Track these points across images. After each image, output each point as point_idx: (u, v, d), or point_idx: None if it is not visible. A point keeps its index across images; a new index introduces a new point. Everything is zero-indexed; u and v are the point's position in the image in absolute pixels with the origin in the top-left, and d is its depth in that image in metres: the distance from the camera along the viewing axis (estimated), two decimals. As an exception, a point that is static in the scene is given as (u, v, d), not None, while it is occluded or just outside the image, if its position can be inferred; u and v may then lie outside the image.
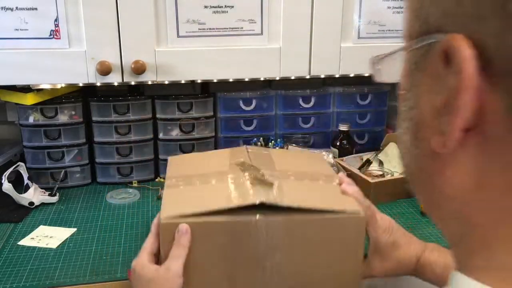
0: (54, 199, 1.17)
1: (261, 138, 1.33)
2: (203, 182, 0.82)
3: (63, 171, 1.24)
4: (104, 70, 1.04)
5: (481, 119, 0.27)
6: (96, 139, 1.26)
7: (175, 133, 1.30)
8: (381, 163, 1.27)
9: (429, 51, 0.28)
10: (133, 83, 1.12)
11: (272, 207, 0.74)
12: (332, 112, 1.40)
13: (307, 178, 0.85)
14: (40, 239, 0.99)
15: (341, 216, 0.75)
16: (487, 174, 0.28)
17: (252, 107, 1.33)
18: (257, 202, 0.72)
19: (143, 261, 0.72)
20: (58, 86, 1.17)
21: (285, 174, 0.85)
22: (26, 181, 1.15)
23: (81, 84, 1.13)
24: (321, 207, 0.75)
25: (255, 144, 1.31)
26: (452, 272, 0.30)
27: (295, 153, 1.00)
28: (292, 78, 1.20)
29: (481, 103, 0.26)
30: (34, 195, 1.14)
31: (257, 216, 0.74)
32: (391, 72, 0.32)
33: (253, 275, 0.77)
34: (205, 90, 1.32)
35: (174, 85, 1.21)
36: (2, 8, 1.01)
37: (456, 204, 0.30)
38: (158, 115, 1.28)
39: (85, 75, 1.06)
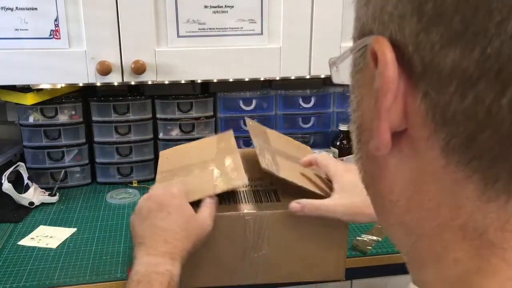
0: (54, 199, 1.17)
1: (261, 138, 1.33)
2: (189, 173, 0.86)
3: (63, 171, 1.24)
4: (104, 70, 1.04)
5: (408, 122, 0.26)
6: (96, 139, 1.26)
7: (175, 133, 1.30)
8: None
9: (365, 53, 0.28)
10: (133, 83, 1.12)
11: (258, 200, 0.81)
12: (332, 112, 1.40)
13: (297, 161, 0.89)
14: (40, 239, 0.99)
15: None
16: (420, 179, 0.27)
17: (252, 107, 1.33)
18: (243, 183, 0.78)
19: (178, 191, 0.74)
20: (58, 86, 1.17)
21: (279, 152, 0.89)
22: (26, 181, 1.15)
23: (81, 84, 1.13)
24: (312, 189, 0.79)
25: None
26: (409, 285, 0.30)
27: (288, 138, 1.03)
28: (292, 78, 1.20)
29: (406, 106, 0.26)
30: (34, 195, 1.14)
31: (245, 210, 0.78)
32: (346, 74, 0.32)
33: (240, 265, 0.80)
34: (205, 90, 1.32)
35: (174, 85, 1.21)
36: (2, 8, 1.01)
37: (399, 210, 0.29)
38: (158, 115, 1.28)
39: (85, 75, 1.06)
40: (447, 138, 0.25)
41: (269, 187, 0.87)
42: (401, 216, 0.29)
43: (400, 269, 0.93)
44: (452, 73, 0.23)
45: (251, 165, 0.89)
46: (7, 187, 1.10)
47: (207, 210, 0.74)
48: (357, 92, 0.30)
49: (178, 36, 1.08)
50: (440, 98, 0.24)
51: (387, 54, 0.25)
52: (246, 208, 0.79)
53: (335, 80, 0.33)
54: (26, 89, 1.16)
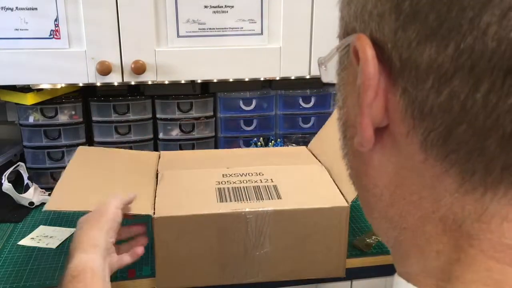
0: (54, 199, 1.16)
1: (261, 138, 1.33)
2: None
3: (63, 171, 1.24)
4: (104, 70, 1.04)
5: (389, 118, 0.27)
6: (96, 139, 1.26)
7: (175, 133, 1.30)
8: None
9: (348, 51, 0.29)
10: (133, 83, 1.12)
11: (259, 197, 0.82)
12: (332, 112, 1.40)
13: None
14: (40, 239, 0.99)
15: (326, 207, 0.82)
16: (402, 173, 0.28)
17: (252, 107, 1.33)
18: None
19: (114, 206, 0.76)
20: (58, 86, 1.17)
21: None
22: (26, 181, 1.15)
23: (81, 84, 1.13)
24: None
25: (255, 145, 1.31)
26: (394, 276, 0.30)
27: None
28: (292, 78, 1.19)
29: (386, 102, 0.27)
30: (34, 195, 1.14)
31: (246, 209, 0.79)
32: (334, 73, 0.33)
33: (243, 263, 0.81)
34: (205, 90, 1.32)
35: (174, 85, 1.21)
36: (2, 8, 1.01)
37: (383, 204, 0.30)
38: (158, 115, 1.28)
39: (85, 75, 1.06)
40: (425, 133, 0.25)
41: (270, 183, 0.87)
42: (385, 210, 0.30)
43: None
44: (429, 69, 0.24)
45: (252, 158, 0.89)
46: (7, 187, 1.10)
47: (114, 202, 0.77)
48: (342, 90, 0.31)
49: (178, 36, 1.08)
50: (417, 93, 0.25)
51: (368, 51, 0.26)
52: (248, 206, 0.80)
53: (324, 79, 0.34)
54: (26, 89, 1.16)
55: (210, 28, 1.09)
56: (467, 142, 0.24)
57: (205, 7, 1.08)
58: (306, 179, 0.91)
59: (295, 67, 1.15)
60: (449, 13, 0.23)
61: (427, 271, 0.28)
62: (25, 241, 0.99)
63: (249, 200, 0.82)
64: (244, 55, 1.11)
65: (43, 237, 1.00)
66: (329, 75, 0.33)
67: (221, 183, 0.87)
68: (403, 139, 0.27)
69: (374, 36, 0.26)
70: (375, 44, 0.26)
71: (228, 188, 0.85)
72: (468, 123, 0.23)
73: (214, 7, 1.08)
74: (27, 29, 1.03)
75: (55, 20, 1.03)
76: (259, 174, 0.91)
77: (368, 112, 0.27)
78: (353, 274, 0.92)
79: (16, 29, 1.03)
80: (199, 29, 1.09)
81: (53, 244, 0.97)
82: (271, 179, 0.89)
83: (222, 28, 1.10)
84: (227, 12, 1.09)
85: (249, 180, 0.88)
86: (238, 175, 0.90)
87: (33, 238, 1.00)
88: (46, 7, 1.02)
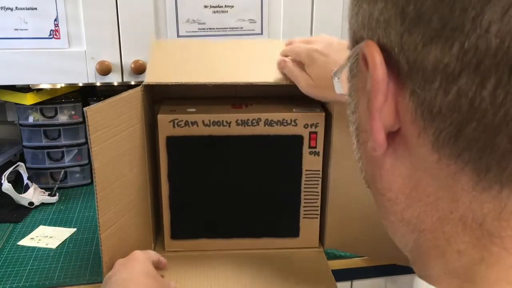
0: (54, 199, 1.16)
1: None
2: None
3: (63, 171, 1.24)
4: (104, 70, 1.04)
5: (400, 121, 0.28)
6: (96, 139, 1.26)
7: (175, 133, 1.30)
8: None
9: (358, 59, 0.30)
10: (133, 83, 1.12)
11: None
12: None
13: None
14: (40, 239, 0.99)
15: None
16: (416, 175, 0.28)
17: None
18: None
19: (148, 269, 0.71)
20: (58, 86, 1.17)
21: None
22: (25, 181, 1.15)
23: (80, 84, 1.13)
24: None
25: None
26: (414, 280, 0.30)
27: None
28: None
29: (397, 106, 0.27)
30: (34, 195, 1.14)
31: None
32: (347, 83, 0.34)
33: None
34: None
35: (174, 85, 1.21)
36: (2, 8, 1.01)
37: (399, 208, 0.30)
38: (158, 115, 1.28)
39: (84, 75, 1.06)
40: (436, 133, 0.26)
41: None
42: (401, 214, 0.30)
43: (400, 269, 0.94)
44: (435, 69, 0.24)
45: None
46: (7, 187, 1.10)
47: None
48: (354, 95, 0.32)
49: (178, 36, 1.08)
50: (426, 94, 0.25)
51: (376, 57, 0.27)
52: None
53: (338, 90, 0.36)
54: (25, 89, 1.16)
55: (210, 28, 1.09)
56: (478, 139, 0.24)
57: (205, 7, 1.08)
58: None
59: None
60: (452, 14, 0.23)
61: (449, 272, 0.28)
62: (25, 241, 0.99)
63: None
64: (244, 55, 1.11)
65: (43, 237, 1.00)
66: (343, 86, 0.34)
67: None
68: (414, 140, 0.27)
69: (382, 41, 0.27)
70: (382, 50, 0.27)
71: None
72: (477, 120, 0.24)
73: (214, 7, 1.08)
74: (27, 29, 1.03)
75: (55, 20, 1.03)
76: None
77: (379, 116, 0.27)
78: (353, 274, 0.92)
79: (16, 29, 1.02)
80: (199, 29, 1.09)
81: (53, 244, 0.97)
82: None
83: (222, 28, 1.10)
84: (227, 12, 1.09)
85: None
86: None
87: (32, 238, 1.00)
88: (45, 7, 1.02)
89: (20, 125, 1.22)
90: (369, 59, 0.27)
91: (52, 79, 1.07)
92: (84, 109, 0.67)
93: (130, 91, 0.79)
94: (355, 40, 0.30)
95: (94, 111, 0.69)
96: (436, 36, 0.24)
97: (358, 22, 0.29)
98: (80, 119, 1.24)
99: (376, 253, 0.87)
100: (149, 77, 0.82)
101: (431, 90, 0.25)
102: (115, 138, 0.75)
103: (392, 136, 0.28)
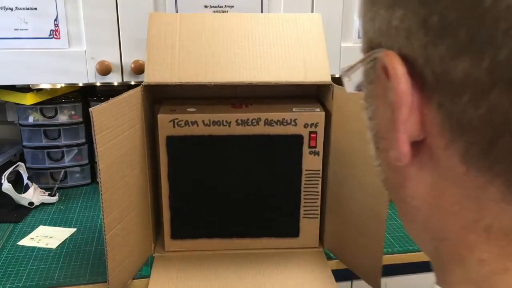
0: (54, 199, 1.16)
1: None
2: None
3: (63, 171, 1.24)
4: (104, 70, 1.04)
5: (426, 132, 0.27)
6: (96, 139, 1.26)
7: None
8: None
9: (375, 65, 0.29)
10: (133, 83, 1.12)
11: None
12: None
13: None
14: (40, 239, 0.99)
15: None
16: (441, 185, 0.28)
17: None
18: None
19: None
20: (58, 86, 1.17)
21: None
22: (25, 181, 1.15)
23: (80, 84, 1.13)
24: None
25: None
26: (434, 286, 0.30)
27: None
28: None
29: (422, 117, 0.26)
30: (34, 195, 1.14)
31: None
32: (357, 83, 0.33)
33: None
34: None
35: (174, 85, 1.21)
36: (2, 8, 1.01)
37: (422, 215, 0.30)
38: (158, 115, 1.28)
39: (85, 75, 1.06)
40: (465, 145, 0.25)
41: None
42: (425, 221, 0.30)
43: (400, 269, 0.94)
44: (464, 83, 0.23)
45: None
46: (7, 187, 1.10)
47: None
48: (371, 101, 0.31)
49: (178, 36, 1.08)
50: (454, 107, 0.24)
51: (398, 69, 0.26)
52: None
53: (348, 89, 0.34)
54: (25, 89, 1.16)
55: (210, 28, 1.09)
56: (510, 152, 0.24)
57: (205, 6, 1.08)
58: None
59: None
60: (481, 26, 0.22)
61: (468, 280, 0.27)
62: (25, 241, 0.99)
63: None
64: (244, 55, 1.11)
65: (43, 237, 1.00)
66: (353, 86, 0.33)
67: None
68: (441, 152, 0.27)
69: (403, 52, 0.26)
70: (404, 60, 0.26)
71: None
72: (511, 133, 0.23)
73: (214, 7, 1.08)
74: (27, 29, 1.03)
75: (55, 20, 1.03)
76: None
77: (404, 129, 0.27)
78: (353, 274, 0.92)
79: (16, 29, 1.02)
80: (199, 29, 1.09)
81: (53, 244, 0.97)
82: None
83: (222, 28, 1.09)
84: (227, 12, 1.09)
85: None
86: None
87: (33, 238, 1.00)
88: (45, 7, 1.02)
89: (20, 125, 1.22)
90: (390, 70, 0.26)
91: (52, 79, 1.07)
92: (90, 109, 0.67)
93: (131, 91, 0.79)
94: (371, 46, 0.30)
95: (98, 111, 0.70)
96: (464, 49, 0.23)
97: (375, 29, 0.28)
98: (80, 119, 1.24)
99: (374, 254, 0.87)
100: (148, 76, 0.82)
101: (460, 103, 0.24)
102: (118, 138, 0.75)
103: (417, 145, 0.28)
